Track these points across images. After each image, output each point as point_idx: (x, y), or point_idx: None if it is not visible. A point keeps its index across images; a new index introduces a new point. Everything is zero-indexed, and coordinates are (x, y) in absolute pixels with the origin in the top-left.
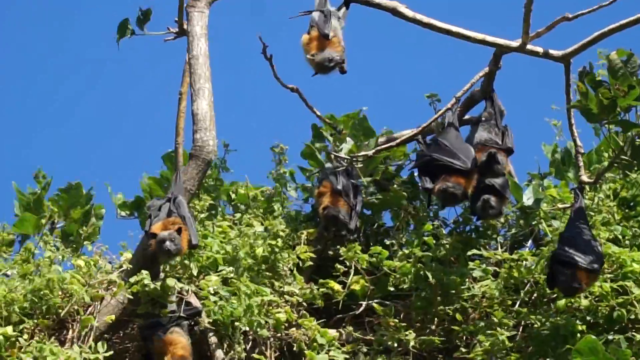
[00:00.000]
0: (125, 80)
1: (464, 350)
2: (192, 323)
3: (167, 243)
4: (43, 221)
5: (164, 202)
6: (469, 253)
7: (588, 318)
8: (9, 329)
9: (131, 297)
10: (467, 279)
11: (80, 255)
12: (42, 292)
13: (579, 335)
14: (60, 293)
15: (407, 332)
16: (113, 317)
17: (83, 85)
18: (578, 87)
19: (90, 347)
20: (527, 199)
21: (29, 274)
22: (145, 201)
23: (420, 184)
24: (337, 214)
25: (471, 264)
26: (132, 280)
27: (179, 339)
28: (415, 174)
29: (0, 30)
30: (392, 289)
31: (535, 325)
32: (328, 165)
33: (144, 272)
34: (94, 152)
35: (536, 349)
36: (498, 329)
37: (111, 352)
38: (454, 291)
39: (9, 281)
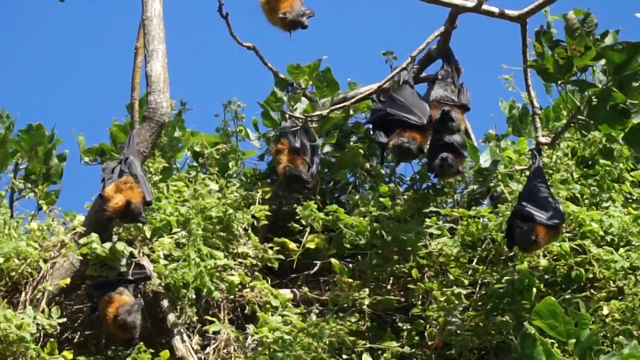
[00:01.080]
0: (97, 26)
1: (420, 308)
2: (142, 286)
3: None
4: (10, 159)
5: (117, 165)
6: (426, 210)
7: (546, 277)
8: None
9: (82, 258)
10: (423, 237)
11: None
12: None
13: (535, 290)
14: (15, 260)
15: (361, 292)
16: (68, 280)
17: (52, 30)
18: (535, 47)
19: (43, 311)
20: (484, 160)
21: None
22: (109, 149)
23: (374, 139)
24: (299, 173)
25: (428, 221)
26: (81, 241)
27: (122, 298)
28: (370, 130)
29: None
30: (348, 245)
31: (492, 282)
32: (284, 123)
33: (94, 235)
34: (60, 99)
35: (492, 304)
36: (454, 286)
37: (64, 319)
38: (410, 248)
39: None
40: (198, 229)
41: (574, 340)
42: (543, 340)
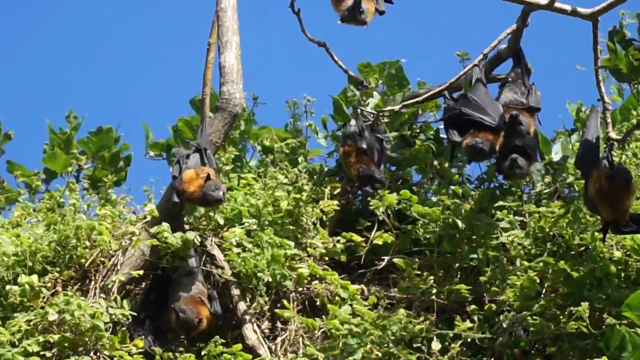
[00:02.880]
0: (158, 27)
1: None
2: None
3: (217, 193)
4: (72, 161)
5: (192, 152)
6: (497, 204)
7: (619, 269)
8: (35, 279)
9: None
10: (494, 228)
11: (107, 200)
12: (68, 241)
13: (615, 280)
14: (87, 243)
15: (428, 280)
16: (141, 272)
17: (115, 30)
18: (607, 46)
19: (115, 300)
20: (555, 154)
21: (54, 224)
22: (175, 144)
23: (448, 137)
24: (372, 173)
25: (499, 214)
26: (152, 230)
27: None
28: (442, 127)
29: None
30: (419, 234)
31: (563, 273)
32: (352, 122)
33: (165, 225)
34: (124, 97)
35: (569, 291)
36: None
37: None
38: (482, 240)
39: (33, 229)
40: (269, 217)
41: None
42: (631, 332)
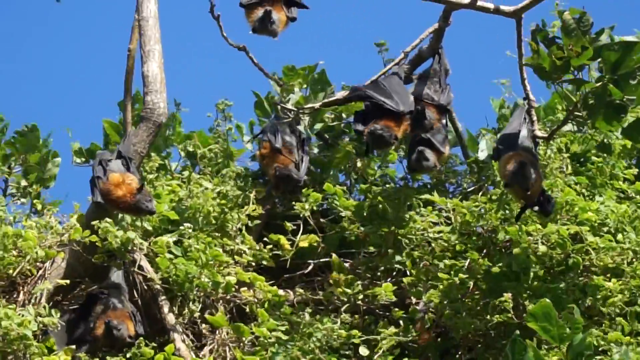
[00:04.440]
0: (85, 29)
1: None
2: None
3: (151, 204)
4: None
5: (115, 157)
6: (422, 197)
7: (544, 262)
8: None
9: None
10: (421, 222)
11: (36, 211)
12: None
13: (532, 273)
14: (14, 253)
15: (355, 285)
16: (68, 281)
17: (43, 32)
18: (530, 45)
19: (44, 308)
20: (482, 151)
21: None
22: (99, 149)
23: (353, 126)
24: (288, 172)
25: (423, 211)
26: (94, 223)
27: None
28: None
29: None
30: (346, 229)
31: (486, 269)
32: (269, 121)
33: (109, 220)
34: (50, 100)
35: (490, 287)
36: (452, 272)
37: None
38: (409, 236)
39: None
40: (196, 226)
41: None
42: (533, 346)
